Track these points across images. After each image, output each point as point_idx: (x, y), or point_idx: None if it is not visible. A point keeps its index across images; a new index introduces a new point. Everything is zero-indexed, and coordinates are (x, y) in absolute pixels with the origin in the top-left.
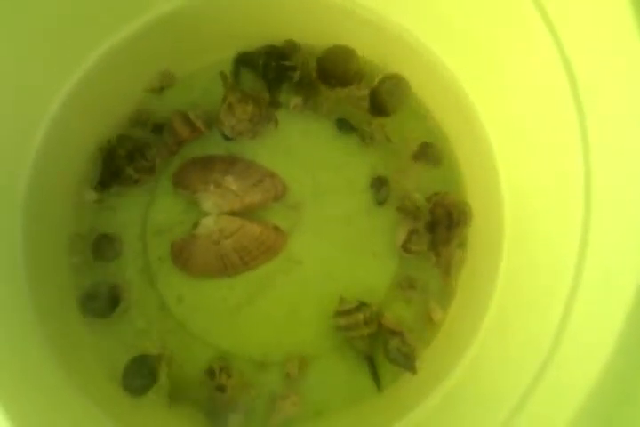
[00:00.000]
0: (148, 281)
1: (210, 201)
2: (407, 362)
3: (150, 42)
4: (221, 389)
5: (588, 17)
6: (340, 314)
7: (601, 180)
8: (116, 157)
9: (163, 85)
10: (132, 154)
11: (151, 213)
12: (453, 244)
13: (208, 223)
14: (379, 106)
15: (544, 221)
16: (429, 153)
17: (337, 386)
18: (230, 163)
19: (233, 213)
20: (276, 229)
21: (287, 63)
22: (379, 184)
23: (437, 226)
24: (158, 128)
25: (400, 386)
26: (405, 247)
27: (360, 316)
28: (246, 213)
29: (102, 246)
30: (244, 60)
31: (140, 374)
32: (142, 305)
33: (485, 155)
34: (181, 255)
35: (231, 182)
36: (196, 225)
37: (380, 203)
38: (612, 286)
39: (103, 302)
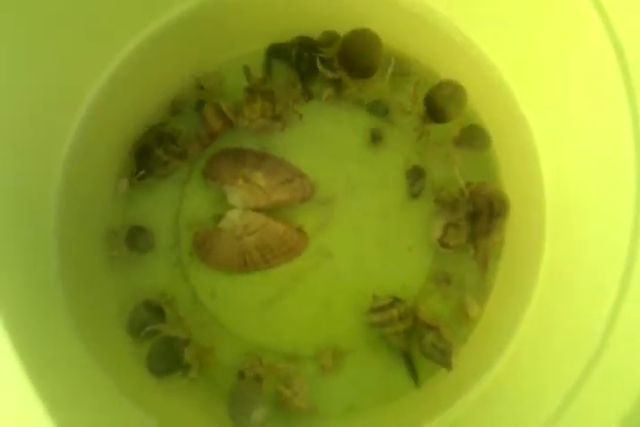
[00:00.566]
0: (181, 275)
1: (237, 195)
2: (443, 358)
3: (179, 36)
4: (257, 378)
5: None
6: (373, 311)
7: None
8: (146, 143)
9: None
10: (161, 137)
11: (183, 207)
12: (492, 236)
13: (233, 217)
14: (437, 112)
15: (591, 211)
16: (476, 136)
17: (370, 382)
18: (262, 158)
19: (258, 210)
20: (300, 230)
21: (320, 54)
22: (415, 175)
23: (479, 216)
24: (201, 105)
25: (436, 383)
26: (442, 242)
27: (394, 312)
28: (272, 210)
29: (135, 237)
30: (277, 52)
31: (164, 356)
32: (176, 298)
33: (526, 144)
34: (203, 246)
35: (260, 178)
36: (221, 217)
37: (415, 195)
38: None
39: (151, 328)
